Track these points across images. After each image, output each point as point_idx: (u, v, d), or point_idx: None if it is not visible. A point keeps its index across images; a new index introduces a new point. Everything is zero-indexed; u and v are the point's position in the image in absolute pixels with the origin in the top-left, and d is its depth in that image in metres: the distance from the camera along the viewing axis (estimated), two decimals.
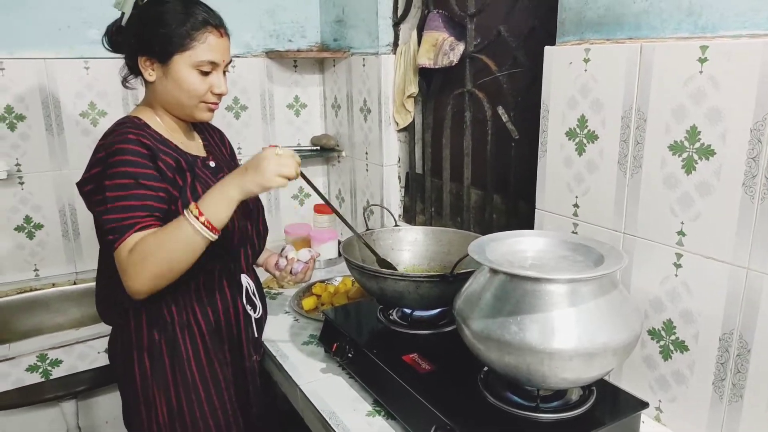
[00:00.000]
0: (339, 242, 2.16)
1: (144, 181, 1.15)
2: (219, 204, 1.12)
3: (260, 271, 1.55)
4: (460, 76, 1.70)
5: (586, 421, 1.02)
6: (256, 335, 1.43)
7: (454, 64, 1.67)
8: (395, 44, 1.93)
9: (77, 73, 1.94)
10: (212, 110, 1.31)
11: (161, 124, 1.29)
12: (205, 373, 1.32)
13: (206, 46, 1.22)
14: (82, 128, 1.98)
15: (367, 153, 2.11)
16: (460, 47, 1.66)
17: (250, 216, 1.39)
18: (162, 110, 1.30)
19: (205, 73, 1.24)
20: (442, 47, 1.68)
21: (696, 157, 1.03)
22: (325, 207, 2.17)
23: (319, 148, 2.31)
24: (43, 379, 1.61)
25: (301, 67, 2.30)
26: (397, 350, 1.26)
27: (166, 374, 1.29)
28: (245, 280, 1.38)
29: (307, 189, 2.43)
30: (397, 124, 1.97)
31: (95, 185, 1.18)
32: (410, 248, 1.55)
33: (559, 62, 1.26)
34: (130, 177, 1.14)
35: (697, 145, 1.02)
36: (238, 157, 2.21)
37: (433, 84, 1.85)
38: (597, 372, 0.98)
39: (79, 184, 1.22)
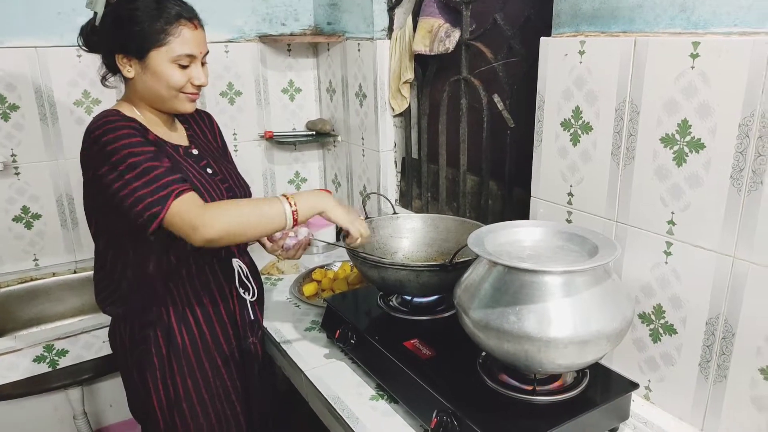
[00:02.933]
0: (337, 227, 2.19)
1: (149, 155, 1.17)
2: (309, 205, 1.24)
3: (257, 256, 1.58)
4: (456, 62, 1.72)
5: (581, 402, 1.08)
6: (252, 317, 1.46)
7: (449, 51, 1.69)
8: (390, 29, 1.93)
9: (70, 62, 1.94)
10: (193, 101, 1.33)
11: (141, 117, 1.31)
12: (202, 360, 1.36)
13: (181, 40, 1.24)
14: (77, 117, 1.98)
15: (363, 138, 2.13)
16: (456, 34, 1.68)
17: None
18: (142, 104, 1.31)
19: (184, 66, 1.26)
20: (437, 34, 1.70)
21: (686, 149, 1.06)
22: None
23: (314, 132, 2.32)
24: (50, 369, 1.64)
25: (295, 51, 2.30)
26: (398, 336, 1.31)
27: (164, 364, 1.33)
28: (236, 263, 1.41)
29: (303, 173, 2.45)
30: (393, 109, 1.98)
31: (102, 173, 1.16)
32: (409, 236, 1.58)
33: (554, 54, 1.28)
34: (137, 155, 1.15)
35: (688, 138, 1.06)
36: (234, 143, 2.24)
37: (428, 70, 1.86)
38: (591, 357, 1.02)
39: (85, 173, 1.24)
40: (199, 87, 1.30)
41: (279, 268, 1.94)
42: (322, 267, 1.90)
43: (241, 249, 1.45)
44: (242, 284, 1.41)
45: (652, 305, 1.18)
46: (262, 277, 1.90)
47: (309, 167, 2.46)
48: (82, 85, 1.97)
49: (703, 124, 1.03)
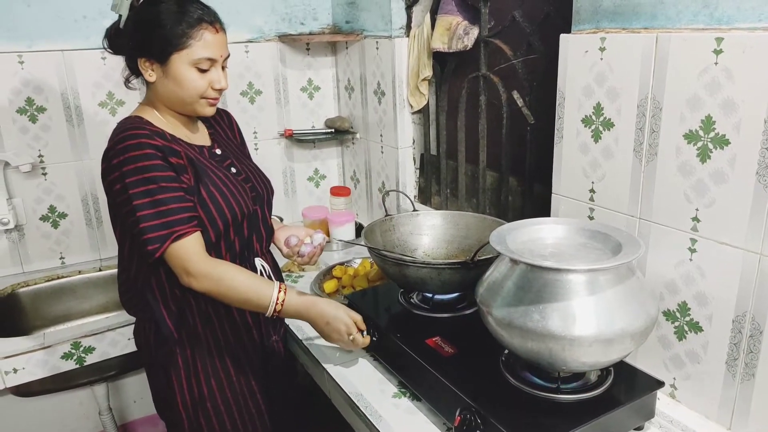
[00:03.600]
0: (356, 223, 2.20)
1: (164, 184, 1.19)
2: (294, 310, 1.30)
3: (278, 255, 1.59)
4: (475, 60, 1.72)
5: (605, 401, 1.08)
6: (274, 316, 1.47)
7: (468, 48, 1.68)
8: (408, 27, 1.93)
9: (94, 64, 1.97)
10: (213, 105, 1.34)
11: (163, 120, 1.32)
12: (226, 360, 1.38)
13: (202, 44, 1.24)
14: (101, 118, 2.01)
15: (381, 135, 2.13)
16: (474, 31, 1.67)
17: (260, 201, 1.42)
18: (163, 107, 1.32)
19: (204, 70, 1.26)
20: (456, 31, 1.70)
21: (711, 146, 1.05)
22: (342, 189, 2.22)
23: (333, 130, 2.33)
24: (77, 366, 1.68)
25: (314, 50, 2.31)
26: (420, 334, 1.31)
27: (188, 365, 1.35)
28: (259, 263, 1.43)
29: (323, 171, 2.47)
30: (412, 106, 1.99)
31: (117, 191, 1.21)
32: (429, 233, 1.59)
33: (574, 50, 1.27)
34: (152, 182, 1.18)
35: (712, 134, 1.05)
36: (255, 141, 2.26)
37: (447, 67, 1.86)
38: (616, 356, 1.02)
39: (105, 187, 1.27)
40: (219, 91, 1.31)
41: (299, 265, 1.95)
42: (342, 264, 1.91)
43: (264, 248, 1.46)
44: None
45: (677, 302, 1.17)
46: (283, 274, 1.91)
47: (328, 164, 2.47)
48: (106, 87, 2.00)
49: (727, 120, 1.02)
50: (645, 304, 1.02)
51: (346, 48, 2.24)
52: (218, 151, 1.40)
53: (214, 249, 1.30)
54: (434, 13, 1.81)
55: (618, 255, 1.02)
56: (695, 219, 1.10)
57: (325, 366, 1.39)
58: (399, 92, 1.98)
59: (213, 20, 1.27)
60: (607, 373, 1.13)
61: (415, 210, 1.62)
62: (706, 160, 1.06)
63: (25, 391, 1.72)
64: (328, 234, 2.14)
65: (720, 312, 1.10)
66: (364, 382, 1.32)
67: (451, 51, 1.74)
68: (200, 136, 1.41)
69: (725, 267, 1.07)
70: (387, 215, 1.58)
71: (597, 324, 0.97)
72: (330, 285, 1.77)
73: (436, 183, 2.04)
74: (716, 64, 1.01)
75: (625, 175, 1.22)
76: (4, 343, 1.62)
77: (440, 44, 1.75)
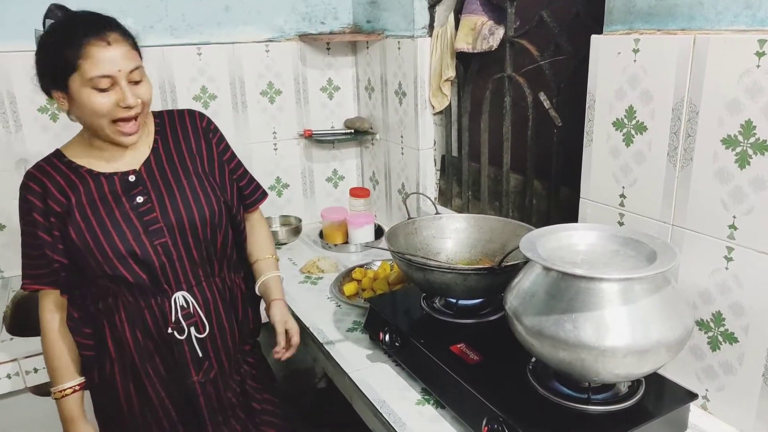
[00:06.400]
0: (375, 225, 2.18)
1: (26, 239, 1.24)
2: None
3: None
4: (500, 60, 1.69)
5: (637, 413, 1.05)
6: (200, 354, 1.29)
7: (493, 48, 1.65)
8: (431, 26, 1.90)
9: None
10: (128, 133, 1.19)
11: (84, 147, 1.25)
12: (136, 402, 1.31)
13: (91, 62, 1.10)
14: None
15: (402, 136, 2.11)
16: (500, 31, 1.64)
17: (171, 231, 1.25)
18: (89, 133, 1.24)
19: (105, 89, 1.13)
20: (481, 31, 1.67)
21: (750, 151, 1.02)
22: (361, 190, 2.20)
23: (353, 131, 2.31)
24: None
25: (334, 50, 2.29)
26: (444, 340, 1.29)
27: (104, 409, 1.36)
28: (181, 295, 1.27)
29: (341, 171, 2.45)
30: (433, 107, 1.96)
31: None
32: (452, 236, 1.56)
33: (606, 52, 1.24)
34: (22, 231, 1.25)
35: (752, 139, 1.01)
36: (274, 141, 2.25)
37: (470, 68, 1.83)
38: (649, 367, 0.99)
39: None
40: (128, 108, 1.15)
41: (319, 266, 1.93)
42: (361, 266, 1.89)
43: (194, 277, 1.29)
44: (188, 318, 1.28)
45: (711, 312, 1.14)
46: (303, 275, 1.90)
47: (347, 165, 2.45)
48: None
49: None
50: (681, 314, 0.99)
51: (367, 48, 2.22)
52: (132, 178, 1.24)
53: (103, 284, 1.23)
54: (458, 12, 1.78)
55: (653, 263, 0.99)
56: (732, 227, 1.07)
57: (347, 370, 1.37)
58: (421, 93, 1.95)
59: (100, 33, 1.11)
60: (638, 384, 1.10)
61: (437, 213, 1.60)
62: (745, 166, 1.03)
63: (44, 390, 1.72)
64: (346, 235, 2.13)
65: (757, 323, 1.07)
66: (386, 388, 1.30)
67: (475, 51, 1.71)
68: (126, 160, 1.26)
69: (764, 276, 1.04)
70: (410, 218, 1.56)
71: (632, 335, 0.95)
72: (350, 288, 1.75)
73: (457, 185, 2.02)
74: (758, 66, 0.98)
75: (658, 181, 1.19)
76: (24, 343, 1.62)
77: (464, 44, 1.72)
